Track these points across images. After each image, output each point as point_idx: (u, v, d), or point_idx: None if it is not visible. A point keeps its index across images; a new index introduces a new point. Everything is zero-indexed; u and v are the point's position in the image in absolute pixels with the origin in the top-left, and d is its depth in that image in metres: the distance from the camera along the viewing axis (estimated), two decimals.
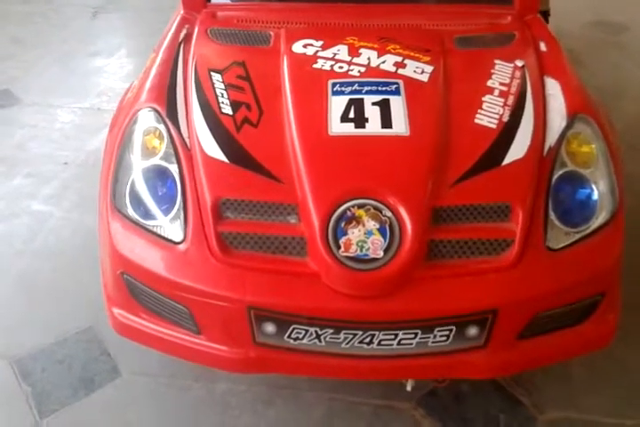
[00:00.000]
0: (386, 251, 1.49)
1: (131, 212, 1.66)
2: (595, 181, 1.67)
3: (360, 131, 1.66)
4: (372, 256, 1.49)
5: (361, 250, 1.50)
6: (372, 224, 1.52)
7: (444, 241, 1.55)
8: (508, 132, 1.69)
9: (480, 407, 1.92)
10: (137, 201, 1.67)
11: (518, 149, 1.65)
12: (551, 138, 1.70)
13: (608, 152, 1.72)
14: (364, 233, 1.51)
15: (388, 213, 1.52)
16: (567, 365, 1.99)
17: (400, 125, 1.67)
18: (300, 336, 1.55)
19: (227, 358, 1.61)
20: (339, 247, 1.50)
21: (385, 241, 1.50)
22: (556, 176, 1.65)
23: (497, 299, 1.53)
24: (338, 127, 1.67)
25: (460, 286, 1.53)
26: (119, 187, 1.71)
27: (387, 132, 1.66)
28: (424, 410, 1.91)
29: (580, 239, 1.61)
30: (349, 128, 1.67)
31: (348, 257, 1.49)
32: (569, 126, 1.73)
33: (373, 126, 1.67)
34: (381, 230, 1.51)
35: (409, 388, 1.73)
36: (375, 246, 1.50)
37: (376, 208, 1.53)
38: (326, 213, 1.52)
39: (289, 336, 1.55)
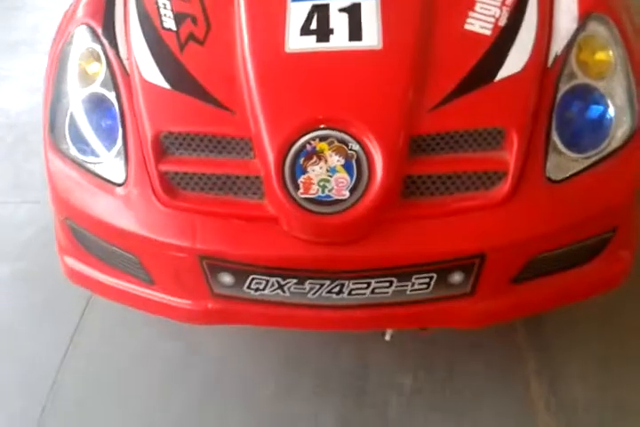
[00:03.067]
0: (352, 191, 1.27)
1: (71, 149, 1.46)
2: (610, 95, 1.39)
3: (323, 45, 1.39)
4: (336, 197, 1.27)
5: (323, 190, 1.28)
6: (335, 159, 1.28)
7: (422, 176, 1.31)
8: (504, 39, 1.38)
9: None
10: (77, 136, 1.47)
11: (516, 60, 1.36)
12: (558, 44, 1.39)
13: (629, 60, 1.41)
14: (327, 170, 1.28)
15: (355, 147, 1.29)
16: None
17: (371, 37, 1.38)
18: (261, 287, 1.37)
19: (185, 310, 1.46)
20: (297, 188, 1.28)
21: (351, 179, 1.28)
22: (562, 91, 1.37)
23: (484, 241, 1.31)
24: (296, 42, 1.39)
25: (441, 227, 1.31)
26: (57, 120, 1.50)
27: (355, 45, 1.38)
28: None
29: (588, 167, 1.36)
30: (310, 42, 1.39)
31: (307, 199, 1.28)
32: (580, 29, 1.42)
33: (339, 39, 1.39)
34: (347, 167, 1.28)
35: (387, 337, 1.56)
36: (340, 186, 1.28)
37: (341, 140, 1.29)
38: (282, 148, 1.29)
39: (249, 287, 1.38)
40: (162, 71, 1.42)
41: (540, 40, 1.39)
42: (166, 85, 1.40)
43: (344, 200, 1.27)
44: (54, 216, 1.59)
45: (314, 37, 1.39)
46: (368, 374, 1.73)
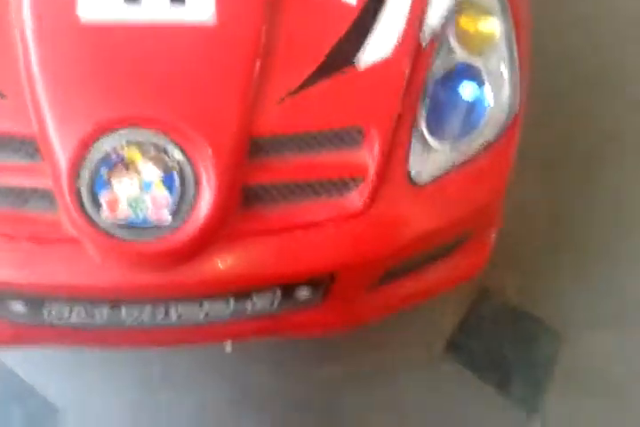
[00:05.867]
0: (175, 212, 1.00)
1: None
2: (489, 75, 1.16)
3: (132, 13, 1.01)
4: (154, 222, 0.99)
5: (135, 212, 0.99)
6: (151, 172, 0.99)
7: (265, 185, 1.06)
8: (370, 10, 1.08)
9: None
10: None
11: (383, 38, 1.07)
12: (434, 15, 1.11)
13: (514, 33, 1.17)
14: (140, 186, 0.99)
15: (178, 155, 0.99)
16: None
17: (200, 6, 1.02)
18: (66, 315, 1.11)
19: None
20: (100, 208, 0.98)
21: (172, 197, 0.99)
22: (435, 74, 1.12)
23: (335, 259, 1.10)
24: (93, 10, 1.01)
25: (286, 243, 1.08)
26: None
27: (178, 16, 1.02)
28: None
29: (458, 164, 1.16)
30: (112, 9, 1.01)
31: (115, 223, 0.99)
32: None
33: (155, 5, 1.02)
34: (167, 181, 0.99)
35: (228, 349, 1.38)
36: (157, 206, 0.99)
37: (158, 147, 0.98)
38: (76, 155, 0.97)
39: (49, 315, 1.11)
40: None
41: (414, 11, 1.09)
42: None
43: (165, 224, 1.00)
44: None
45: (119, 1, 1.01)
46: None
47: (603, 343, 1.71)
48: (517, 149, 1.21)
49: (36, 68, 0.98)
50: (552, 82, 1.95)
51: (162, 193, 0.99)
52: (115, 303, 1.09)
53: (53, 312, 1.10)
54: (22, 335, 1.17)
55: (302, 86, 1.03)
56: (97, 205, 0.98)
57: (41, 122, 0.98)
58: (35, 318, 1.11)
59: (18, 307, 1.09)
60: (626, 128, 2.06)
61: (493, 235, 1.39)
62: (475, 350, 1.71)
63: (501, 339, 1.73)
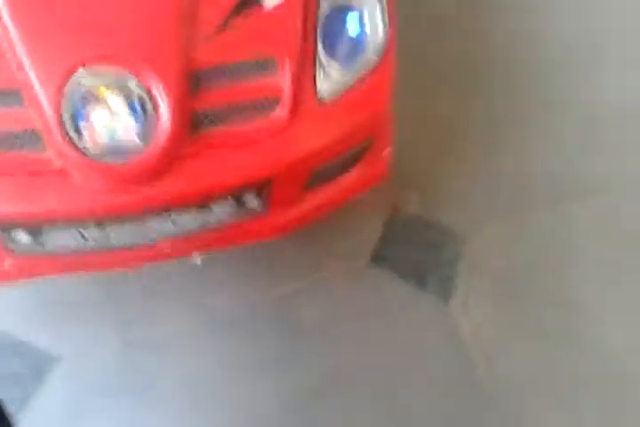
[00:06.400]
0: (141, 135, 1.26)
1: None
2: (364, 12, 1.49)
3: None
4: (125, 143, 1.26)
5: (111, 138, 1.25)
6: (118, 103, 1.25)
7: (209, 110, 1.34)
8: None
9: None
10: None
11: None
12: None
13: None
14: (110, 115, 1.25)
15: (137, 88, 1.26)
16: None
17: None
18: (62, 241, 1.35)
19: None
20: (81, 137, 1.24)
21: (138, 123, 1.26)
22: (323, 12, 1.45)
23: (269, 166, 1.40)
24: None
25: (230, 157, 1.37)
26: None
27: None
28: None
29: (353, 83, 1.48)
30: None
31: (96, 149, 1.25)
32: None
33: None
34: (131, 109, 1.26)
35: (198, 262, 1.64)
36: (126, 131, 1.26)
37: (119, 81, 1.25)
38: (55, 94, 1.22)
39: (49, 242, 1.34)
40: None
41: None
42: None
43: (135, 146, 1.26)
44: None
45: None
46: None
47: (498, 237, 2.09)
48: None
49: (11, 26, 1.23)
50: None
51: (129, 120, 1.26)
52: (100, 222, 1.34)
53: (51, 239, 1.33)
54: (26, 267, 1.39)
55: (224, 25, 1.33)
56: (79, 135, 1.23)
57: (23, 74, 1.22)
58: (36, 247, 1.34)
59: (22, 236, 1.32)
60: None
61: (388, 148, 1.72)
62: (394, 258, 2.05)
63: (415, 246, 2.08)
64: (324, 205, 1.63)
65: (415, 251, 2.08)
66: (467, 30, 2.51)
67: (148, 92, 1.26)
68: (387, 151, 1.72)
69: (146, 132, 1.26)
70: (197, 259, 1.61)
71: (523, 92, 2.39)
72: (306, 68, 1.41)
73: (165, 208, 1.37)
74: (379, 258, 2.03)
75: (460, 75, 2.40)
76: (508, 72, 2.43)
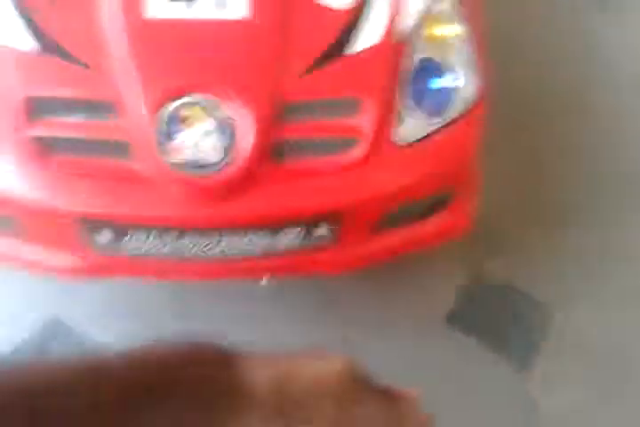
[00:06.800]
0: (225, 154, 1.38)
1: None
2: (452, 68, 1.56)
3: (186, 14, 1.45)
4: (209, 160, 1.38)
5: (196, 154, 1.38)
6: (208, 124, 1.38)
7: (290, 140, 1.44)
8: (358, 12, 1.51)
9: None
10: None
11: (371, 33, 1.50)
12: (406, 20, 1.54)
13: (472, 36, 1.58)
14: (200, 134, 1.38)
15: (228, 111, 1.39)
16: None
17: (239, 6, 1.46)
18: (141, 244, 1.47)
19: (62, 267, 1.53)
20: (170, 152, 1.37)
21: (223, 143, 1.38)
22: (411, 64, 1.53)
23: (341, 200, 1.47)
24: (157, 9, 1.44)
25: (306, 187, 1.45)
26: None
27: (220, 16, 1.45)
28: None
29: (433, 132, 1.53)
30: (172, 9, 1.45)
31: (181, 163, 1.37)
32: (428, 6, 1.57)
33: (204, 6, 1.45)
34: (220, 131, 1.38)
35: (264, 283, 1.70)
36: (213, 149, 1.38)
37: (213, 105, 1.39)
38: (152, 114, 1.37)
39: (128, 244, 1.47)
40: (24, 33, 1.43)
41: (392, 14, 1.52)
42: (27, 48, 1.42)
43: (217, 163, 1.38)
44: None
45: (179, 3, 1.45)
46: None
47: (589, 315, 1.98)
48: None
49: (124, 50, 1.40)
50: None
51: (216, 139, 1.38)
52: (178, 231, 1.44)
53: (132, 241, 1.45)
54: (102, 266, 1.53)
55: (314, 66, 1.44)
56: (167, 150, 1.37)
57: (127, 91, 1.39)
58: (115, 247, 1.47)
59: (106, 235, 1.45)
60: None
61: (474, 201, 1.72)
62: (473, 321, 1.99)
63: (496, 311, 2.01)
64: (395, 247, 1.65)
65: (496, 317, 2.02)
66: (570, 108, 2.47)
67: (238, 119, 1.38)
68: (470, 206, 1.72)
69: (229, 153, 1.38)
70: (264, 281, 1.68)
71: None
72: (388, 113, 1.48)
73: (238, 226, 1.45)
74: (455, 318, 1.99)
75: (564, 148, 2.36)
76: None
